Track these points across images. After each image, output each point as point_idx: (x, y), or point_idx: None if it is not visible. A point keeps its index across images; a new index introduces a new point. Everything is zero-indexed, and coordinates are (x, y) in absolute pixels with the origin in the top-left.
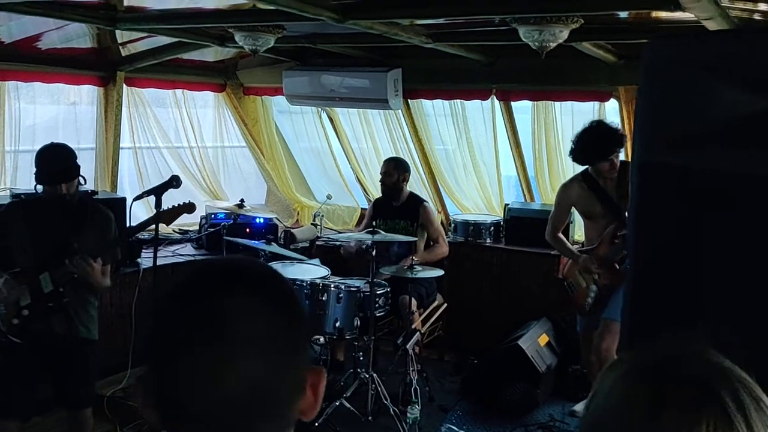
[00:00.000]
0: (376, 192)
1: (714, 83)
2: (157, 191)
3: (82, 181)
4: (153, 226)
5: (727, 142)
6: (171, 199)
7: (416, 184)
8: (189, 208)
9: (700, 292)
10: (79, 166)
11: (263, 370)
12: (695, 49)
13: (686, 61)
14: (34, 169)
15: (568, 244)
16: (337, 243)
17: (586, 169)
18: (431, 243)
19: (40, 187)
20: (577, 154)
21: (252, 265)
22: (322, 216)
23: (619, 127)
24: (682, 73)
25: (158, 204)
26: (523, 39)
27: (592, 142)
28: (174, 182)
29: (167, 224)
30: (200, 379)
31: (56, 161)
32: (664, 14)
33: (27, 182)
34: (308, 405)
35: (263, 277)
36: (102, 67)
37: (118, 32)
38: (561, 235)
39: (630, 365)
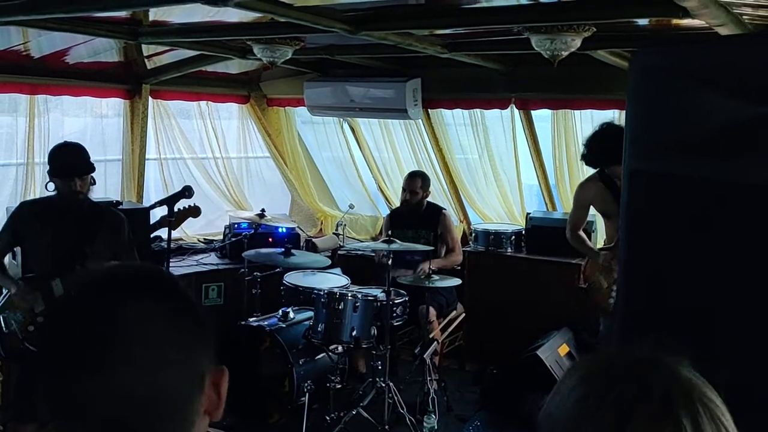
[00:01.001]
0: (398, 201)
1: (700, 91)
2: (170, 201)
3: (93, 181)
4: (167, 235)
5: (714, 149)
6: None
7: (438, 194)
8: (194, 211)
9: (688, 298)
10: (92, 164)
11: (156, 371)
12: (681, 57)
13: (672, 69)
14: (48, 167)
15: (588, 242)
16: (359, 252)
17: (603, 167)
18: (446, 250)
19: (51, 186)
20: (588, 158)
21: (146, 271)
22: (345, 225)
23: None
24: (669, 81)
25: (171, 213)
26: (536, 48)
27: (603, 146)
28: (186, 192)
29: (173, 228)
30: (93, 381)
31: (70, 156)
32: (684, 22)
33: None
34: (212, 404)
35: (156, 281)
36: (128, 80)
37: (143, 45)
38: (581, 233)
39: (593, 369)
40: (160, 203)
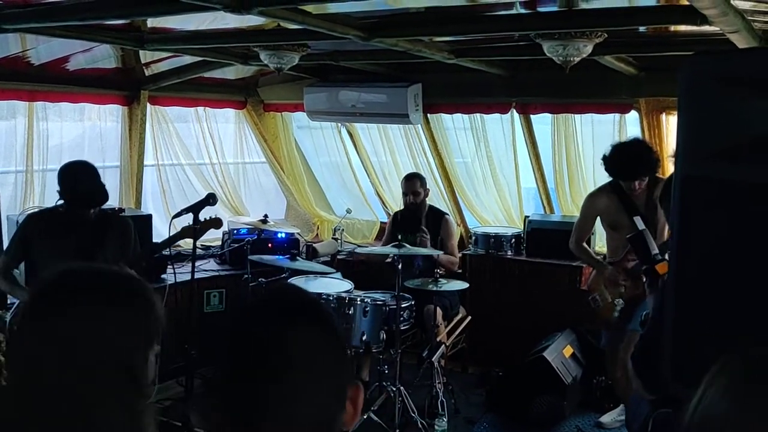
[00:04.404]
0: (395, 205)
1: (753, 97)
2: (195, 209)
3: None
4: (191, 243)
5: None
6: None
7: (436, 197)
8: (216, 223)
9: (746, 307)
10: (104, 188)
11: (319, 392)
12: (733, 63)
13: (724, 75)
14: (58, 188)
15: (593, 254)
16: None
17: (615, 180)
18: None
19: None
20: (608, 167)
21: (304, 295)
22: (342, 230)
23: (656, 150)
24: (721, 88)
25: (196, 221)
26: (547, 54)
27: (627, 161)
28: (210, 200)
29: (196, 239)
30: (267, 401)
31: (85, 184)
32: (684, 27)
33: (54, 200)
34: (349, 417)
35: (313, 306)
36: (126, 87)
37: (141, 53)
38: (585, 245)
39: (742, 373)
40: (186, 211)
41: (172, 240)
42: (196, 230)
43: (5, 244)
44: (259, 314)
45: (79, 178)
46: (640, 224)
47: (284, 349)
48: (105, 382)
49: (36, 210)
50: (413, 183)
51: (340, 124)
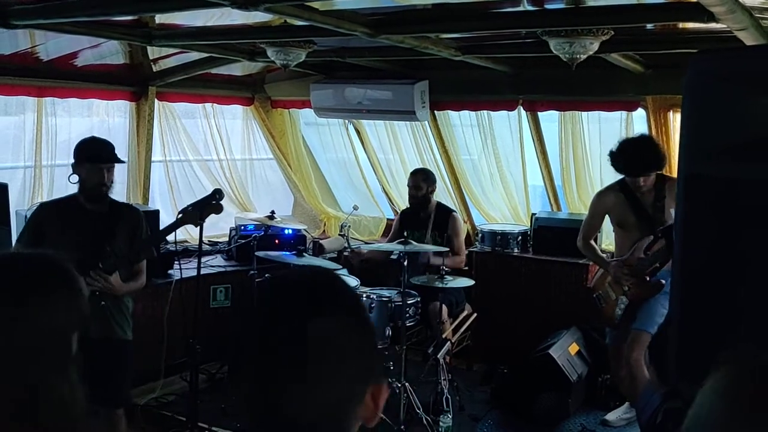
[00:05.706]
0: (402, 202)
1: (759, 95)
2: (201, 204)
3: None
4: (197, 236)
5: None
6: None
7: (442, 194)
8: (215, 208)
9: (750, 304)
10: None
11: (337, 384)
12: (739, 62)
13: (730, 73)
14: (73, 160)
15: (599, 252)
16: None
17: (624, 178)
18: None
19: (74, 178)
20: (614, 162)
21: (331, 282)
22: (349, 227)
23: (662, 146)
24: (727, 86)
25: (202, 217)
26: (554, 51)
27: (632, 156)
28: (217, 195)
29: (196, 225)
30: (281, 391)
31: (102, 145)
32: (691, 25)
33: (64, 194)
34: (369, 413)
35: (341, 295)
36: (134, 83)
37: (149, 49)
38: (593, 242)
39: (738, 376)
40: (192, 206)
41: (174, 226)
42: (185, 214)
43: (14, 238)
44: (288, 295)
45: (90, 142)
46: None
47: (306, 334)
48: (47, 355)
49: (49, 200)
50: (416, 178)
51: (347, 121)
